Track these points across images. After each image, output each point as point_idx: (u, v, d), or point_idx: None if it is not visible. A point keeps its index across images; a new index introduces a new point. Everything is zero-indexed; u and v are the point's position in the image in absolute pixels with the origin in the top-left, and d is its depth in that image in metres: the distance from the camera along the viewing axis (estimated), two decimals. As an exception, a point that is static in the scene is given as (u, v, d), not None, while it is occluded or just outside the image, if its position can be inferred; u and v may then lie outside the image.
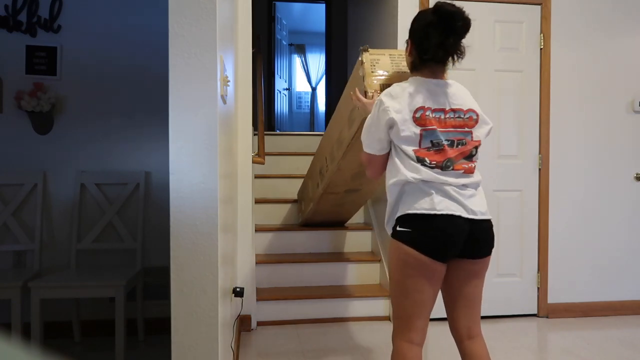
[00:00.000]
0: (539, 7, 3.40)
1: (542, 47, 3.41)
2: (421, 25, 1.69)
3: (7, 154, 2.95)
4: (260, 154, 3.50)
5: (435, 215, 1.61)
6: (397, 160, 1.69)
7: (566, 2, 3.42)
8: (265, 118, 5.65)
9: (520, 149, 3.42)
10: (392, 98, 1.67)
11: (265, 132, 3.90)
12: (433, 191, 1.63)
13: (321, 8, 6.67)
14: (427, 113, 1.66)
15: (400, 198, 1.69)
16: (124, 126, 3.04)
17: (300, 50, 9.06)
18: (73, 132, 3.00)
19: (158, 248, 3.01)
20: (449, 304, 1.81)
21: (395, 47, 3.31)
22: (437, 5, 1.66)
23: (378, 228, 3.77)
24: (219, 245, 1.49)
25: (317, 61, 8.94)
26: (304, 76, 9.17)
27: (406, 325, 1.70)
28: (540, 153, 3.43)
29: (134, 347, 2.82)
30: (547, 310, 3.45)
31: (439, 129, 1.67)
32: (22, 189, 2.93)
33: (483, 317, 3.46)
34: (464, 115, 1.71)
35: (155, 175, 3.07)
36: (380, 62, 2.01)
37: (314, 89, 9.06)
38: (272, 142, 4.60)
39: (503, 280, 3.42)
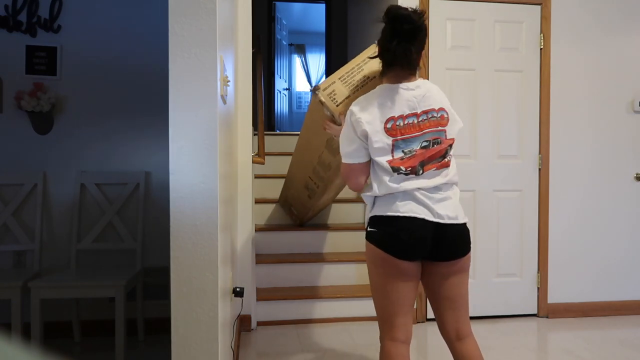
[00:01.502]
0: (539, 7, 3.40)
1: (542, 47, 3.41)
2: (381, 29, 1.72)
3: (7, 154, 2.95)
4: (260, 154, 3.50)
5: (397, 217, 1.66)
6: (371, 174, 1.76)
7: (566, 2, 3.42)
8: (265, 118, 5.65)
9: (520, 149, 3.42)
10: (363, 109, 1.69)
11: (265, 132, 3.90)
12: (400, 196, 1.68)
13: (321, 8, 6.67)
14: (397, 122, 1.67)
15: (373, 205, 1.76)
16: (124, 126, 3.04)
17: (300, 50, 9.06)
18: (73, 132, 3.00)
19: (158, 248, 3.01)
20: (434, 307, 1.84)
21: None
22: (387, 8, 1.68)
23: (378, 228, 3.77)
24: (219, 245, 1.49)
25: (317, 61, 8.94)
26: (304, 76, 9.17)
27: (389, 324, 1.73)
28: (540, 153, 3.43)
29: (134, 347, 2.83)
30: (547, 310, 3.45)
31: (414, 134, 1.68)
32: (22, 189, 2.93)
33: (483, 317, 3.48)
34: (437, 114, 1.73)
35: (155, 175, 3.07)
36: (336, 91, 1.97)
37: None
38: (272, 142, 4.60)
39: (503, 280, 3.42)
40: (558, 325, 3.31)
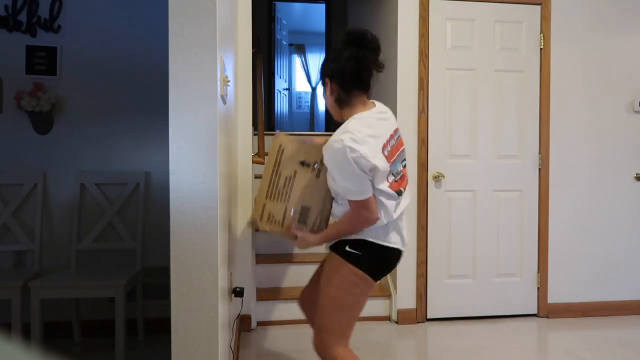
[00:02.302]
0: (539, 7, 3.40)
1: (542, 47, 3.41)
2: (338, 58, 1.72)
3: (7, 154, 2.95)
4: (260, 154, 3.50)
5: (389, 247, 1.76)
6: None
7: (566, 2, 3.42)
8: (265, 118, 5.64)
9: (520, 149, 3.42)
10: (361, 144, 1.62)
11: (265, 132, 3.89)
12: (391, 224, 1.76)
13: (321, 8, 6.67)
14: (387, 148, 1.71)
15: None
16: (124, 126, 3.04)
17: (300, 50, 9.05)
18: (73, 132, 3.00)
19: (158, 248, 3.01)
20: (314, 302, 1.94)
21: (396, 46, 3.31)
22: (346, 31, 1.73)
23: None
24: (219, 245, 1.49)
25: (317, 61, 8.94)
26: (304, 76, 9.17)
27: (343, 335, 1.80)
28: (540, 153, 3.43)
29: (134, 347, 2.82)
30: (547, 310, 3.45)
31: (395, 156, 1.74)
32: (22, 189, 2.93)
33: (483, 317, 3.48)
34: (399, 134, 1.82)
35: (155, 175, 3.07)
36: (273, 212, 1.81)
37: (313, 89, 9.05)
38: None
39: (503, 280, 3.42)
40: (558, 325, 3.31)
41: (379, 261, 1.77)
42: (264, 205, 1.80)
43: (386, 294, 3.38)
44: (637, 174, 3.54)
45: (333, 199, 1.82)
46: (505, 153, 3.40)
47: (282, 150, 1.80)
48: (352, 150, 1.60)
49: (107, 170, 3.01)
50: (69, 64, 3.00)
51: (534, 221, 3.45)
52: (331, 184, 1.75)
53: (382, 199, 1.70)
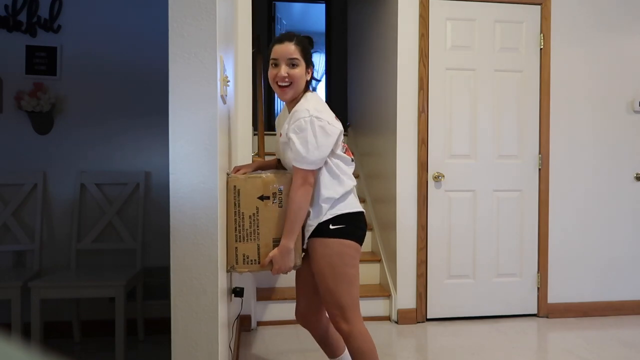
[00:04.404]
0: (539, 7, 3.40)
1: (542, 47, 3.41)
2: (311, 56, 1.92)
3: (7, 154, 2.95)
4: (260, 154, 3.50)
5: (361, 212, 1.88)
6: (336, 171, 1.81)
7: (566, 2, 3.42)
8: (265, 118, 5.64)
9: (520, 149, 3.42)
10: (323, 112, 1.78)
11: (265, 132, 3.90)
12: (352, 190, 1.87)
13: (321, 8, 6.67)
14: (336, 118, 1.86)
15: (334, 203, 1.81)
16: (124, 126, 3.04)
17: (300, 50, 9.04)
18: (73, 132, 3.00)
19: (158, 248, 3.01)
20: (314, 290, 1.95)
21: (396, 46, 3.31)
22: (308, 39, 1.92)
23: (378, 228, 3.77)
24: (219, 245, 1.49)
25: (317, 61, 8.94)
26: (304, 76, 9.16)
27: (358, 308, 1.86)
28: (540, 153, 3.43)
29: (134, 347, 2.82)
30: (547, 310, 3.45)
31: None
32: (22, 189, 2.93)
33: (483, 317, 3.48)
34: None
35: (155, 175, 3.07)
36: (246, 253, 1.80)
37: (313, 89, 9.05)
38: (272, 142, 4.59)
39: (503, 280, 3.42)
40: (558, 325, 3.31)
41: (359, 226, 1.87)
42: (236, 249, 1.81)
43: (386, 294, 3.38)
44: (637, 174, 3.54)
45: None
46: (505, 153, 3.40)
47: (238, 191, 1.80)
48: (319, 119, 1.74)
49: (107, 170, 3.01)
50: (69, 64, 3.00)
51: (534, 221, 3.45)
52: (288, 154, 1.80)
53: (342, 164, 1.83)
